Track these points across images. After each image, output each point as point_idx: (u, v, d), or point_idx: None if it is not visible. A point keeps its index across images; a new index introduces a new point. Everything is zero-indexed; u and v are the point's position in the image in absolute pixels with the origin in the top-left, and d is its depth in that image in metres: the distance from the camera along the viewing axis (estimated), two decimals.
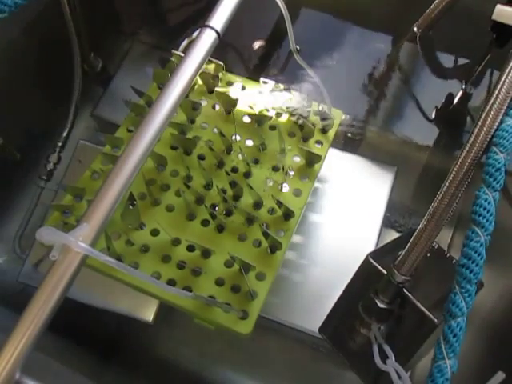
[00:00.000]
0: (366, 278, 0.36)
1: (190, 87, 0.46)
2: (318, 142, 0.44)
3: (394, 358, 0.28)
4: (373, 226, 0.50)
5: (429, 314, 0.33)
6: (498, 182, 0.26)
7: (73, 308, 0.45)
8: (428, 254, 0.40)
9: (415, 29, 0.43)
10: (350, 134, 0.50)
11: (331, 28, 0.51)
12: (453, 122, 0.46)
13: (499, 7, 0.32)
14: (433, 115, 0.47)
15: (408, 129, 0.50)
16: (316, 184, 0.51)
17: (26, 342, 0.23)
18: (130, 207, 0.39)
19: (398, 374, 0.27)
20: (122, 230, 0.39)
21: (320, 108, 0.44)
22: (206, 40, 0.35)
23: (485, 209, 0.26)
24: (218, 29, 0.34)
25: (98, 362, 0.42)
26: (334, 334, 0.39)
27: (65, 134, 0.52)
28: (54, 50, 0.50)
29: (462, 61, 0.45)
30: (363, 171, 0.53)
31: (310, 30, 0.51)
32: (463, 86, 0.45)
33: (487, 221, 0.25)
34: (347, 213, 0.51)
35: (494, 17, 0.33)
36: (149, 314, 0.47)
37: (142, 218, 0.39)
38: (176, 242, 0.39)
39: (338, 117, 0.45)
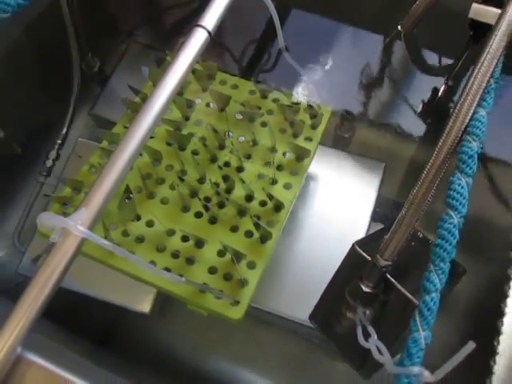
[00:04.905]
0: (352, 265, 0.38)
1: (185, 86, 0.49)
2: (308, 137, 0.46)
3: (376, 337, 0.30)
4: (362, 220, 0.52)
5: (412, 297, 0.34)
6: (471, 168, 0.28)
7: (70, 298, 0.47)
8: (413, 243, 0.42)
9: (399, 27, 0.45)
10: (339, 132, 0.52)
11: (321, 28, 0.53)
12: (438, 115, 0.48)
13: (475, 6, 0.34)
14: (419, 110, 0.49)
15: (396, 125, 0.52)
16: (307, 180, 0.53)
17: (28, 318, 0.25)
18: (127, 200, 0.41)
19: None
20: (118, 221, 0.40)
21: (309, 105, 0.46)
22: (197, 39, 0.36)
23: (458, 193, 0.27)
24: (210, 28, 0.36)
25: (94, 351, 0.43)
26: (323, 320, 0.40)
27: (64, 131, 0.54)
28: (54, 51, 0.51)
29: (444, 57, 0.47)
30: (353, 167, 0.54)
31: (300, 30, 0.53)
32: (445, 81, 0.47)
33: (460, 204, 0.27)
34: (338, 207, 0.52)
35: (470, 15, 0.35)
36: (145, 305, 0.48)
37: (137, 210, 0.41)
38: (170, 232, 0.40)
39: (327, 113, 0.47)
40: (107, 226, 0.39)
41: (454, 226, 0.26)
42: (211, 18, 0.36)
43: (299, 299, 0.48)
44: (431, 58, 0.49)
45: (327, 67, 0.47)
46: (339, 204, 0.52)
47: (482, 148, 0.29)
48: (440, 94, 0.47)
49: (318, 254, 0.50)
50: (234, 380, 0.49)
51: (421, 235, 0.42)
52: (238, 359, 0.51)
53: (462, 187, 0.27)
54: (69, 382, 0.25)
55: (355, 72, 0.52)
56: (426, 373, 0.24)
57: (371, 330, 0.31)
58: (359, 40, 0.53)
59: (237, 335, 0.51)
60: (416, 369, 0.24)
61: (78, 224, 0.27)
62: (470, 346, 0.23)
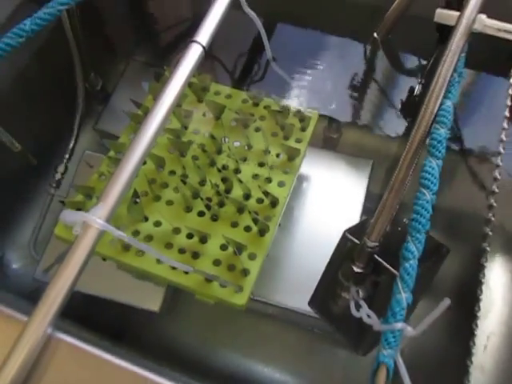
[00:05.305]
0: (344, 251, 0.41)
1: (183, 98, 0.53)
2: (298, 139, 0.50)
3: (366, 307, 0.33)
4: (353, 214, 0.55)
5: (398, 273, 0.38)
6: (440, 152, 0.32)
7: (85, 300, 0.50)
8: (399, 228, 0.46)
9: (375, 35, 0.49)
10: (328, 134, 0.56)
11: (306, 39, 0.57)
12: (415, 112, 0.52)
13: (438, 11, 0.38)
14: (399, 108, 0.53)
15: (381, 124, 0.56)
16: (300, 180, 0.56)
17: (58, 300, 0.28)
18: (135, 203, 0.44)
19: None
20: (128, 222, 0.44)
21: (297, 110, 0.50)
22: (193, 53, 0.40)
23: (430, 173, 0.31)
24: (204, 43, 0.40)
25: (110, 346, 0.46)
26: (321, 305, 0.44)
27: (71, 146, 0.58)
28: (60, 72, 0.55)
29: (418, 58, 0.51)
30: (342, 166, 0.58)
31: (286, 43, 0.57)
32: (419, 80, 0.51)
33: (432, 183, 0.31)
34: (330, 204, 0.56)
35: (435, 19, 0.39)
36: (155, 304, 0.51)
37: (145, 212, 0.45)
38: (176, 230, 0.44)
39: (315, 117, 0.51)
40: (119, 227, 0.42)
41: (427, 202, 0.30)
42: (205, 33, 0.40)
43: (299, 290, 0.51)
44: (407, 60, 0.53)
45: (315, 75, 0.51)
46: (331, 201, 0.56)
47: (449, 134, 0.33)
48: (416, 92, 0.51)
49: (314, 248, 0.53)
50: (240, 370, 0.52)
51: (407, 221, 0.46)
52: (244, 351, 0.54)
53: (433, 168, 0.31)
54: (96, 356, 0.29)
55: (340, 78, 0.56)
56: (409, 328, 0.27)
57: (362, 303, 0.34)
58: (342, 49, 0.57)
59: (242, 329, 0.54)
60: (399, 325, 0.27)
61: (97, 217, 0.30)
62: (446, 302, 0.27)
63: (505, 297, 0.52)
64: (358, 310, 0.33)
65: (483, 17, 0.35)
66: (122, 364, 0.29)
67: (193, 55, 0.40)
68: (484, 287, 0.50)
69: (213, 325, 0.53)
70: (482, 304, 0.49)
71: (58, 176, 0.57)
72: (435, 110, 0.34)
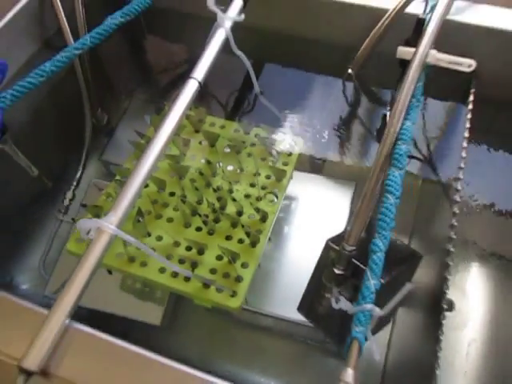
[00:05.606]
0: (327, 258, 0.46)
1: (181, 128, 0.59)
2: (285, 162, 0.55)
3: (344, 298, 0.37)
4: (339, 231, 0.60)
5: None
6: (402, 164, 0.38)
7: (91, 315, 0.54)
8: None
9: (350, 71, 0.57)
10: (313, 158, 0.62)
11: (291, 76, 0.65)
12: None
13: (400, 48, 0.45)
14: (375, 134, 0.60)
15: (360, 149, 0.62)
16: (288, 201, 0.62)
17: (75, 293, 0.33)
18: (138, 221, 0.49)
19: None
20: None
21: (284, 138, 0.56)
22: (190, 87, 0.46)
23: (393, 181, 0.37)
24: (200, 79, 0.47)
25: None
26: (308, 308, 0.48)
27: (78, 175, 0.63)
28: (70, 108, 0.62)
29: (387, 88, 0.58)
30: (327, 188, 0.64)
31: (273, 80, 0.64)
32: (389, 108, 0.58)
33: (395, 189, 0.36)
34: (317, 222, 0.61)
35: (397, 55, 0.46)
36: (156, 317, 0.55)
37: (148, 228, 0.49)
38: (176, 244, 0.49)
39: (300, 143, 0.57)
40: (125, 242, 0.47)
41: (391, 205, 0.35)
42: (201, 70, 0.46)
43: (291, 301, 0.56)
44: (378, 91, 0.60)
45: (297, 107, 0.58)
46: (319, 219, 0.61)
47: (409, 150, 0.38)
48: (387, 118, 0.58)
49: (304, 262, 0.58)
50: (237, 380, 0.55)
51: None
52: (240, 362, 0.57)
53: (396, 177, 0.37)
54: (108, 341, 0.33)
55: (321, 109, 0.63)
56: (377, 309, 0.32)
57: (342, 298, 0.39)
58: (323, 84, 0.64)
59: (239, 342, 0.58)
60: (369, 306, 0.32)
61: (109, 224, 0.35)
62: (408, 287, 0.32)
63: (483, 306, 0.56)
64: (337, 303, 0.37)
65: (434, 52, 0.42)
66: (131, 348, 0.33)
67: (190, 89, 0.46)
68: (461, 298, 0.55)
69: (211, 338, 0.57)
70: (460, 313, 0.54)
71: (66, 202, 0.62)
72: (397, 130, 0.40)
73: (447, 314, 0.56)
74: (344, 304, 0.36)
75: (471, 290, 0.57)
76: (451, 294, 0.56)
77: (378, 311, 0.32)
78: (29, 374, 0.30)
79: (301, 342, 0.57)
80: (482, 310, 0.56)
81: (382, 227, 0.35)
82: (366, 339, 0.31)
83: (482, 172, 0.56)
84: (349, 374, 0.30)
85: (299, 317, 0.49)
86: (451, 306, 0.56)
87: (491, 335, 0.54)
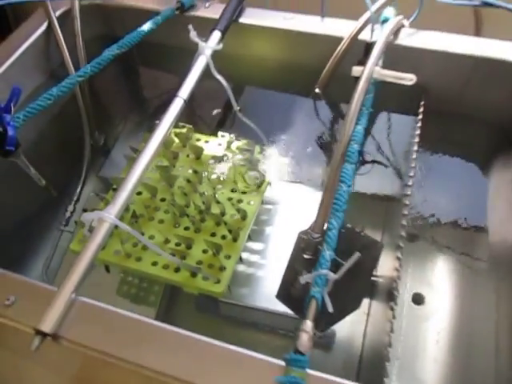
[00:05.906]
0: (298, 248, 0.53)
1: (170, 143, 0.66)
2: (263, 170, 0.63)
3: (307, 274, 0.44)
4: None
5: (342, 261, 0.49)
6: (353, 159, 0.45)
7: None
8: (343, 230, 0.57)
9: (317, 89, 0.65)
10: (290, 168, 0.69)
11: (267, 97, 0.73)
12: None
13: (354, 68, 0.53)
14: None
15: (326, 156, 0.70)
16: (270, 206, 0.68)
17: (81, 271, 0.39)
18: (134, 223, 0.56)
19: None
20: (129, 237, 0.55)
21: (262, 147, 0.64)
22: (175, 105, 0.54)
23: (346, 173, 0.44)
24: (184, 97, 0.54)
25: None
26: (284, 294, 0.54)
27: (78, 190, 0.70)
28: (71, 130, 0.70)
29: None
30: (304, 193, 0.71)
31: (253, 101, 0.73)
32: None
33: (347, 179, 0.43)
34: (295, 225, 0.68)
35: (352, 74, 0.54)
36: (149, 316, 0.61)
37: (142, 229, 0.56)
38: (167, 241, 0.55)
39: (275, 152, 0.65)
40: (122, 241, 0.53)
41: (344, 192, 0.42)
42: (185, 90, 0.54)
43: (274, 294, 0.62)
44: (343, 106, 0.69)
45: (274, 123, 0.66)
46: (297, 222, 0.68)
47: (360, 149, 0.46)
48: None
49: (283, 257, 0.64)
50: None
51: (350, 226, 0.58)
52: None
53: (348, 170, 0.44)
54: (109, 310, 0.39)
55: (294, 124, 0.71)
56: (331, 273, 0.38)
57: (305, 272, 0.45)
58: (295, 103, 0.73)
59: (227, 337, 0.63)
60: (324, 271, 0.38)
61: (110, 214, 0.42)
62: (356, 256, 0.38)
63: (450, 297, 0.62)
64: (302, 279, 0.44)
65: (378, 68, 0.50)
66: (130, 315, 0.39)
67: (176, 105, 0.54)
68: (427, 291, 0.61)
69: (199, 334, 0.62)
70: (429, 304, 0.60)
71: (67, 214, 0.69)
72: (350, 132, 0.47)
73: (417, 306, 0.63)
74: (307, 277, 0.42)
75: (439, 284, 0.64)
76: (420, 289, 0.63)
77: (333, 275, 0.38)
78: (44, 335, 0.36)
79: (285, 335, 0.62)
80: (449, 301, 0.62)
81: (336, 209, 0.42)
82: (322, 299, 0.38)
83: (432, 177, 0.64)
84: (308, 324, 0.36)
85: (282, 307, 0.54)
86: (421, 300, 0.63)
87: (459, 324, 0.60)
